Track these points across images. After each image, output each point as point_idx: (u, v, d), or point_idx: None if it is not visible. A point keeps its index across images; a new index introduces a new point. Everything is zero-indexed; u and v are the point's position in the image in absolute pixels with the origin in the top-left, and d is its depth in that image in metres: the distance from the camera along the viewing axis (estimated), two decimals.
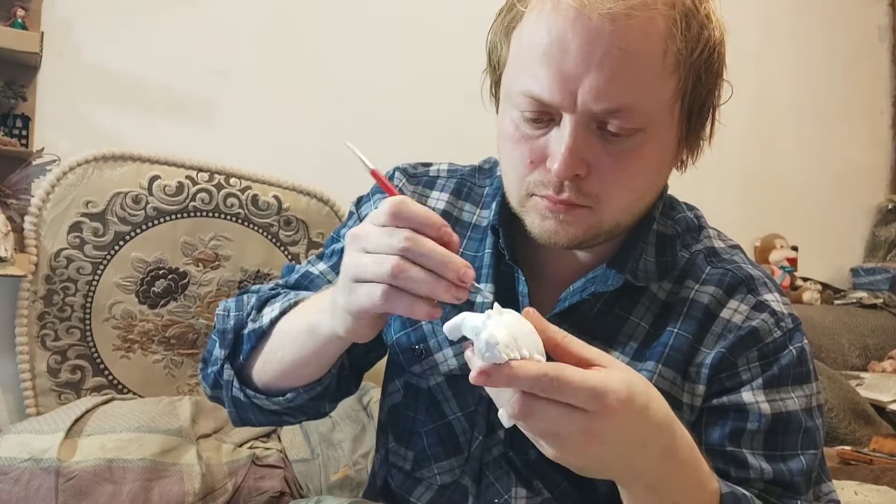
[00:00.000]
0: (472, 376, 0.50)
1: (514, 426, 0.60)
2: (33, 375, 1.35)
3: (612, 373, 0.53)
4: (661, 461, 0.57)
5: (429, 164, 0.87)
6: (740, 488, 0.64)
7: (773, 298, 0.74)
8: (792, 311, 0.74)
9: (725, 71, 0.70)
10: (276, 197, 1.50)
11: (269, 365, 0.74)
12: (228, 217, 1.46)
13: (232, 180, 1.48)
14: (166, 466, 1.16)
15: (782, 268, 2.45)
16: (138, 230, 1.40)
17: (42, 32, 1.38)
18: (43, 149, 1.40)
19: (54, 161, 1.40)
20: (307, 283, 0.83)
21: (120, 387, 1.41)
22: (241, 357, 0.76)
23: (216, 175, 1.47)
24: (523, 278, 0.75)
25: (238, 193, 1.47)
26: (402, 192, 0.83)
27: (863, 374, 2.03)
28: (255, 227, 1.48)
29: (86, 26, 1.47)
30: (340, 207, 1.57)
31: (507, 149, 0.69)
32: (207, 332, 1.46)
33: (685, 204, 0.83)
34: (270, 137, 1.65)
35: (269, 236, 1.49)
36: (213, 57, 1.60)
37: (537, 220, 0.68)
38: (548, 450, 0.54)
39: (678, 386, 0.72)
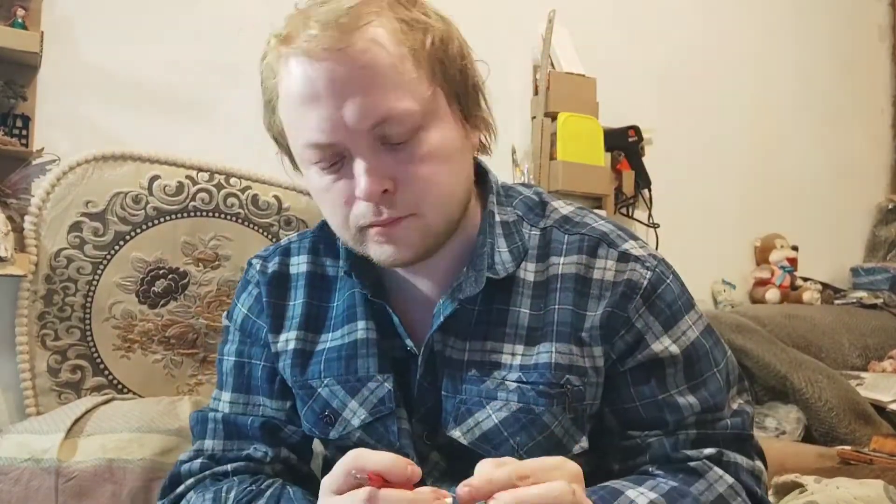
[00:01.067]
0: None
1: (441, 443, 0.70)
2: (33, 375, 1.35)
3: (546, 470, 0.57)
4: None
5: (279, 240, 0.93)
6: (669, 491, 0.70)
7: (631, 246, 0.78)
8: (652, 251, 0.80)
9: (469, 51, 0.75)
10: (276, 197, 1.50)
11: None
12: (228, 217, 1.46)
13: (232, 180, 1.48)
14: (166, 467, 1.16)
15: (782, 268, 2.45)
16: (138, 230, 1.40)
17: (42, 32, 1.38)
18: (43, 148, 1.40)
19: (54, 161, 1.40)
20: (237, 429, 0.84)
21: (120, 387, 1.41)
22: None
23: (216, 175, 1.47)
24: (390, 310, 0.78)
25: (238, 193, 1.47)
26: (264, 273, 0.86)
27: (863, 374, 2.03)
28: (256, 227, 1.48)
29: (86, 26, 1.47)
30: None
31: (322, 200, 0.73)
32: (207, 331, 1.46)
33: (521, 185, 0.87)
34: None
35: (270, 236, 1.49)
36: (213, 57, 1.60)
37: (376, 249, 0.72)
38: None
39: (577, 355, 0.75)
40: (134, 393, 1.42)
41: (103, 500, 1.12)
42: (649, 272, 0.77)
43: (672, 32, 2.38)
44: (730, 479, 0.74)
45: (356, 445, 0.79)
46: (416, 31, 0.69)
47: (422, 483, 0.78)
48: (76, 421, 1.21)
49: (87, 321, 1.38)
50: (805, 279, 2.52)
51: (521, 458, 0.73)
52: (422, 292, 0.80)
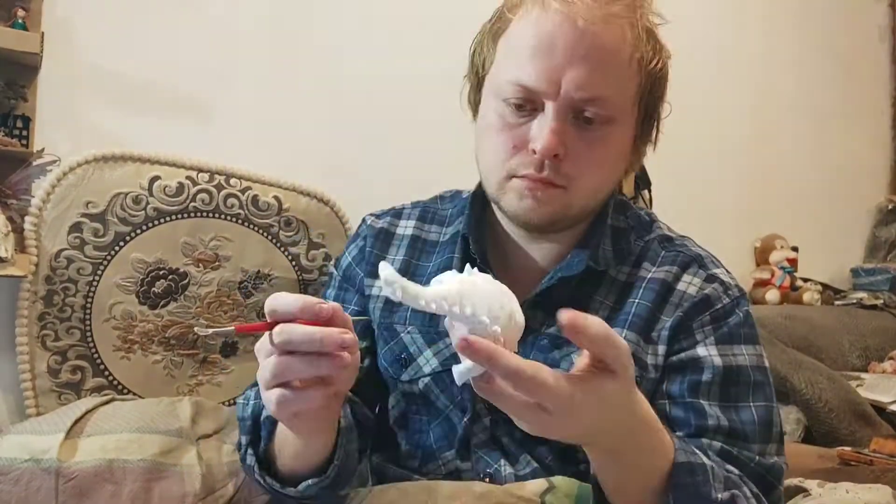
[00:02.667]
0: (454, 342, 0.53)
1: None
2: (33, 376, 1.35)
3: (589, 382, 0.56)
4: (629, 435, 0.62)
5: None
6: (700, 457, 0.68)
7: (721, 272, 0.85)
8: (737, 283, 0.86)
9: (668, 92, 0.84)
10: (276, 197, 1.50)
11: (282, 454, 0.77)
12: (228, 217, 1.46)
13: (232, 181, 1.48)
14: (167, 467, 1.16)
15: (782, 268, 2.45)
16: (138, 231, 1.40)
17: (42, 33, 1.38)
18: (43, 149, 1.40)
19: (55, 161, 1.40)
20: None
21: (120, 387, 1.41)
22: (261, 444, 0.80)
23: (216, 175, 1.47)
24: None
25: (238, 194, 1.47)
26: (372, 227, 0.94)
27: (863, 375, 2.03)
28: (256, 228, 1.48)
29: (86, 26, 1.47)
30: (341, 208, 1.57)
31: (490, 138, 0.79)
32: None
33: (639, 207, 0.96)
34: (270, 137, 1.65)
35: (270, 237, 1.49)
36: (213, 57, 1.60)
37: (515, 200, 0.78)
38: (523, 425, 0.58)
39: (641, 348, 0.80)
40: (134, 393, 1.42)
41: (103, 500, 1.11)
42: (728, 298, 0.82)
43: (672, 32, 2.37)
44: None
45: (423, 392, 0.86)
46: (651, 46, 0.78)
47: (466, 446, 0.83)
48: (76, 421, 1.21)
49: (88, 322, 1.38)
50: (805, 280, 2.52)
51: None
52: (520, 269, 0.86)
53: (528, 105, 0.76)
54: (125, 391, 1.41)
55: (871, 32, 2.98)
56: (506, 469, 0.82)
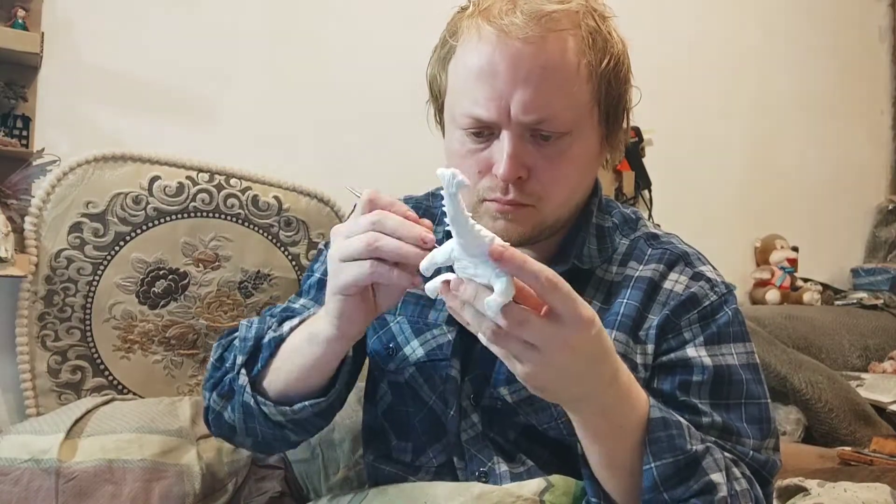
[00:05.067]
0: (491, 251, 0.55)
1: (485, 405, 0.75)
2: (33, 376, 1.35)
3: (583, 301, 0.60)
4: (609, 385, 0.64)
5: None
6: (674, 415, 0.70)
7: (707, 269, 0.84)
8: (724, 280, 0.85)
9: (632, 77, 0.82)
10: (276, 197, 1.50)
11: (280, 374, 0.80)
12: (229, 217, 1.46)
13: (232, 181, 1.48)
14: (167, 467, 1.16)
15: (782, 268, 2.45)
16: (138, 231, 1.40)
17: (42, 33, 1.38)
18: (43, 149, 1.40)
19: (55, 161, 1.40)
20: (291, 317, 0.89)
21: (120, 387, 1.41)
22: (259, 364, 0.81)
23: (216, 175, 1.47)
24: None
25: (238, 194, 1.47)
26: None
27: (863, 375, 2.03)
28: (256, 228, 1.48)
29: (86, 26, 1.47)
30: (341, 208, 1.57)
31: (456, 164, 0.77)
32: (207, 332, 1.46)
33: (622, 204, 0.95)
34: (270, 137, 1.65)
35: (270, 237, 1.49)
36: (213, 57, 1.60)
37: (490, 223, 0.78)
38: (519, 367, 0.60)
39: (631, 348, 0.80)
40: (134, 393, 1.42)
41: (103, 500, 1.11)
42: (715, 295, 0.82)
43: (672, 32, 2.38)
44: (743, 484, 0.72)
45: (408, 382, 0.87)
46: (599, 48, 0.76)
47: (458, 440, 0.83)
48: (76, 421, 1.21)
49: (88, 322, 1.38)
50: (805, 280, 2.52)
51: (556, 426, 0.79)
52: None
53: (485, 131, 0.76)
54: (125, 391, 1.41)
55: (871, 32, 2.98)
56: (500, 467, 0.82)
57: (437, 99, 0.84)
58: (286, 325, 0.82)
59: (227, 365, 0.85)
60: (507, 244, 0.57)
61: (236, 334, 0.87)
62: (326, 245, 0.96)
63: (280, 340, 0.80)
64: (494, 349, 0.60)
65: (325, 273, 0.91)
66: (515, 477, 0.80)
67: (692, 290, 0.81)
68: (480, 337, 0.59)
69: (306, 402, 0.78)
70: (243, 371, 0.81)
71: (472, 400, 0.84)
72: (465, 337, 0.82)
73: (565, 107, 0.74)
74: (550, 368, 0.60)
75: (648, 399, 0.69)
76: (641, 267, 0.84)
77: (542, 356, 0.58)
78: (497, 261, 0.55)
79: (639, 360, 0.80)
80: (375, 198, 0.67)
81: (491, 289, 0.57)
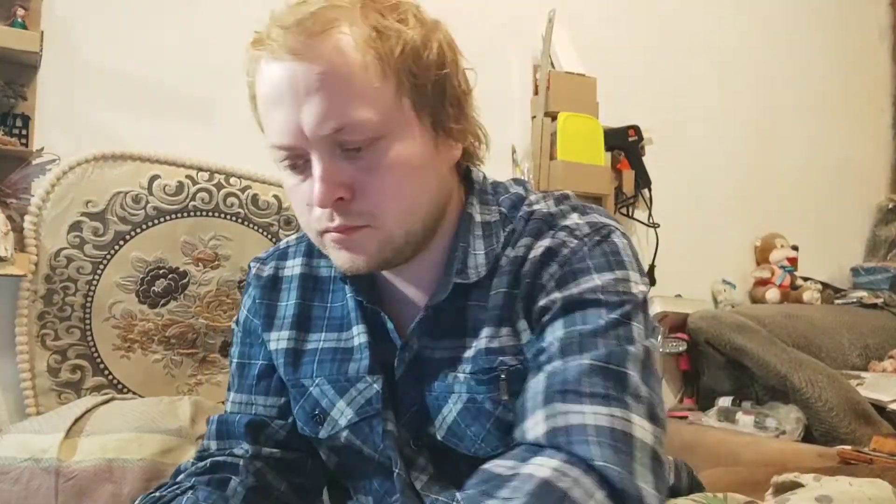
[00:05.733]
0: None
1: (427, 444, 0.72)
2: (33, 375, 1.35)
3: None
4: None
5: (279, 241, 0.94)
6: None
7: (570, 220, 0.75)
8: (594, 220, 0.75)
9: (461, 60, 0.73)
10: (276, 196, 1.50)
11: None
12: (228, 216, 1.46)
13: (232, 180, 1.48)
14: (166, 466, 1.16)
15: (782, 267, 2.45)
16: (138, 230, 1.40)
17: (42, 32, 1.38)
18: (43, 148, 1.40)
19: (54, 160, 1.40)
20: (227, 428, 0.86)
21: (120, 386, 1.41)
22: None
23: (216, 174, 1.47)
24: (385, 316, 0.78)
25: (238, 193, 1.47)
26: (259, 277, 0.88)
27: (863, 374, 2.03)
28: (255, 227, 1.48)
29: (86, 26, 1.47)
30: None
31: (291, 200, 0.74)
32: (207, 331, 1.46)
33: (513, 180, 0.84)
34: None
35: (269, 236, 1.49)
36: (213, 57, 1.60)
37: (334, 254, 0.72)
38: None
39: (508, 335, 0.73)
40: (134, 393, 1.42)
41: (103, 500, 1.11)
42: (575, 240, 0.73)
43: (672, 32, 2.38)
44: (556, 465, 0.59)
45: (344, 446, 0.81)
46: (386, 39, 0.67)
47: (413, 493, 0.78)
48: (76, 421, 1.21)
49: (87, 321, 1.38)
50: (805, 279, 2.52)
51: (481, 447, 0.74)
52: (407, 295, 0.80)
53: (298, 161, 0.69)
54: (125, 390, 1.41)
55: (871, 32, 2.98)
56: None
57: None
58: None
59: None
60: None
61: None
62: (237, 322, 0.91)
63: None
64: None
65: (240, 356, 0.88)
66: None
67: (547, 244, 0.73)
68: None
69: None
70: None
71: (413, 444, 0.79)
72: (392, 381, 0.78)
73: (362, 109, 0.66)
74: None
75: None
76: (512, 251, 0.75)
77: None
78: None
79: (522, 339, 0.73)
80: None
81: None
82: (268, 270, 0.88)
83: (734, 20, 2.54)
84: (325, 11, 0.66)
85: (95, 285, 1.37)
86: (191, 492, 0.79)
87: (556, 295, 0.70)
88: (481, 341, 0.74)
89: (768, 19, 2.64)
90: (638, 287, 0.71)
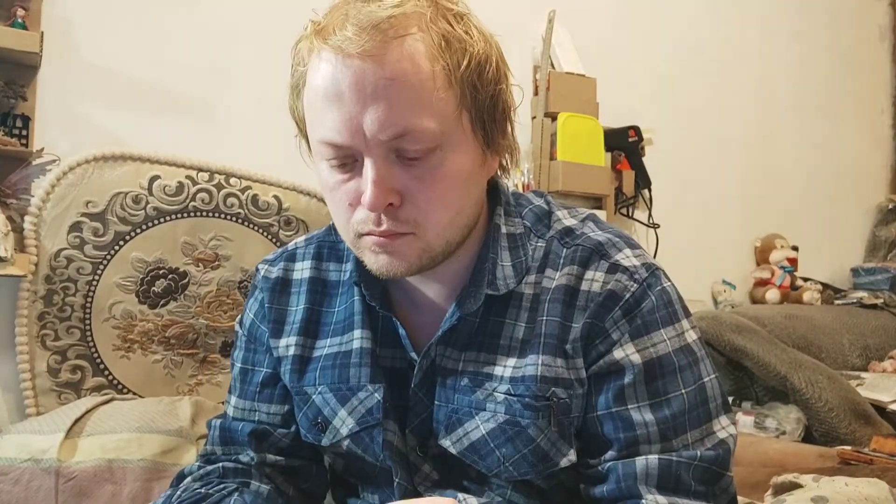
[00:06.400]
0: None
1: (434, 454, 0.73)
2: (33, 375, 1.35)
3: None
4: None
5: (286, 244, 0.92)
6: None
7: (623, 256, 0.76)
8: (647, 261, 0.77)
9: (510, 76, 0.74)
10: (276, 197, 1.50)
11: None
12: (228, 217, 1.46)
13: (232, 180, 1.48)
14: (166, 467, 1.16)
15: (782, 268, 2.45)
16: (138, 230, 1.40)
17: (42, 32, 1.38)
18: (43, 149, 1.40)
19: (54, 161, 1.40)
20: (230, 435, 0.86)
21: (120, 387, 1.41)
22: None
23: (216, 175, 1.47)
24: (398, 322, 0.78)
25: (238, 193, 1.47)
26: (267, 279, 0.87)
27: (863, 374, 2.03)
28: (255, 227, 1.48)
29: (86, 26, 1.47)
30: None
31: (328, 198, 0.73)
32: (207, 331, 1.46)
33: (533, 192, 0.86)
34: (270, 137, 1.65)
35: (269, 236, 1.49)
36: (213, 57, 1.60)
37: (371, 257, 0.72)
38: None
39: (562, 367, 0.74)
40: (134, 393, 1.42)
41: (103, 500, 1.12)
42: (635, 284, 0.75)
43: (672, 32, 2.38)
44: None
45: (346, 454, 0.82)
46: (455, 50, 0.68)
47: (415, 493, 0.79)
48: (76, 421, 1.21)
49: (87, 321, 1.38)
50: (805, 279, 2.52)
51: (506, 469, 0.75)
52: (429, 299, 0.80)
53: (348, 160, 0.69)
54: (125, 391, 1.41)
55: (871, 32, 2.99)
56: (469, 501, 0.77)
57: (303, 131, 0.76)
58: None
59: None
60: None
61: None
62: (240, 324, 0.90)
63: None
64: None
65: (244, 361, 0.87)
66: None
67: (609, 286, 0.74)
68: None
69: None
70: None
71: (419, 451, 0.79)
72: (394, 389, 0.78)
73: (425, 118, 0.66)
74: None
75: None
76: (557, 274, 0.76)
77: None
78: None
79: (572, 375, 0.74)
80: None
81: None
82: (276, 272, 0.87)
83: (734, 20, 2.54)
84: (400, 17, 0.66)
85: (95, 286, 1.38)
86: (237, 494, 0.79)
87: (631, 352, 0.73)
88: (528, 367, 0.74)
89: (768, 19, 2.64)
90: (692, 336, 0.76)
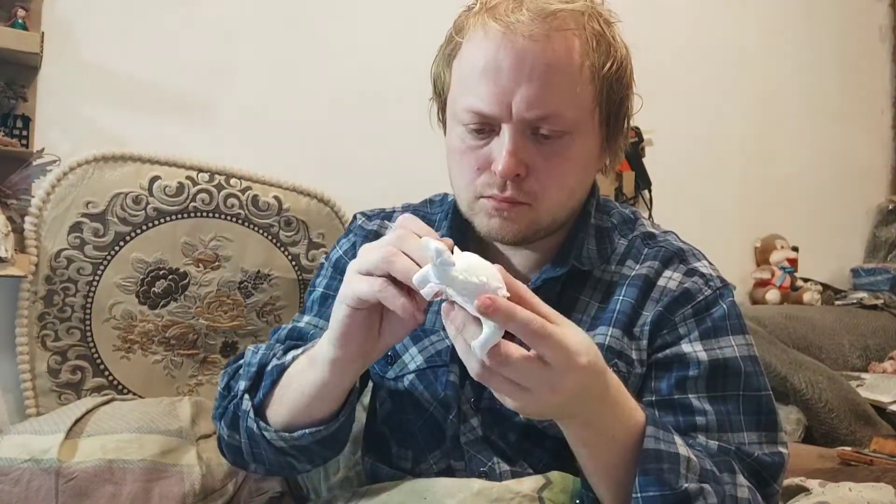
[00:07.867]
0: (478, 304, 0.55)
1: (485, 407, 0.76)
2: (33, 376, 1.35)
3: (576, 332, 0.60)
4: (600, 400, 0.65)
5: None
6: (675, 446, 0.69)
7: (701, 265, 0.85)
8: (720, 275, 0.85)
9: (634, 84, 0.83)
10: (276, 197, 1.50)
11: (283, 402, 0.79)
12: (229, 217, 1.46)
13: (232, 181, 1.48)
14: (166, 467, 1.16)
15: (782, 268, 2.45)
16: (138, 230, 1.40)
17: (42, 33, 1.38)
18: (43, 149, 1.40)
19: (55, 161, 1.40)
20: (300, 334, 0.90)
21: (120, 387, 1.41)
22: (260, 392, 0.81)
23: (216, 175, 1.47)
24: None
25: (238, 194, 1.47)
26: (363, 228, 0.96)
27: (863, 375, 2.03)
28: (256, 228, 1.48)
29: (86, 26, 1.47)
30: (341, 208, 1.57)
31: (456, 160, 0.80)
32: (207, 332, 1.46)
33: (620, 203, 0.96)
34: (270, 137, 1.65)
35: (270, 237, 1.49)
36: (213, 57, 1.60)
37: (485, 220, 0.79)
38: (509, 401, 0.60)
39: (626, 344, 0.80)
40: (134, 393, 1.42)
41: (103, 500, 1.12)
42: (709, 290, 0.82)
43: (672, 33, 2.38)
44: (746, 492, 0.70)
45: (407, 389, 0.87)
46: (603, 51, 0.76)
47: (457, 444, 0.84)
48: (76, 421, 1.21)
49: (88, 322, 1.38)
50: (805, 280, 2.52)
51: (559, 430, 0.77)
52: (515, 268, 0.86)
53: (486, 128, 0.76)
54: (125, 391, 1.41)
55: (871, 32, 2.98)
56: (500, 466, 0.82)
57: (441, 96, 0.85)
58: (289, 355, 0.81)
59: (233, 393, 0.84)
60: (501, 287, 0.57)
61: (241, 361, 0.87)
62: (327, 258, 0.97)
63: (282, 369, 0.80)
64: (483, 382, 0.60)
65: (326, 287, 0.93)
66: (516, 475, 0.80)
67: (685, 285, 0.81)
68: (470, 370, 0.59)
69: (305, 430, 0.77)
70: (246, 396, 0.81)
71: (473, 404, 0.84)
72: None
73: (567, 106, 0.75)
74: (539, 405, 0.60)
75: (645, 417, 0.69)
76: (638, 266, 0.84)
77: (531, 395, 0.59)
78: (484, 315, 0.55)
79: (634, 355, 0.80)
80: (407, 221, 0.67)
81: (480, 321, 0.56)
82: (371, 226, 0.95)
83: (734, 20, 2.54)
84: (567, 12, 0.75)
85: (96, 286, 1.38)
86: None
87: (699, 349, 0.78)
88: (597, 336, 0.80)
89: (768, 19, 2.64)
90: (756, 351, 0.82)
